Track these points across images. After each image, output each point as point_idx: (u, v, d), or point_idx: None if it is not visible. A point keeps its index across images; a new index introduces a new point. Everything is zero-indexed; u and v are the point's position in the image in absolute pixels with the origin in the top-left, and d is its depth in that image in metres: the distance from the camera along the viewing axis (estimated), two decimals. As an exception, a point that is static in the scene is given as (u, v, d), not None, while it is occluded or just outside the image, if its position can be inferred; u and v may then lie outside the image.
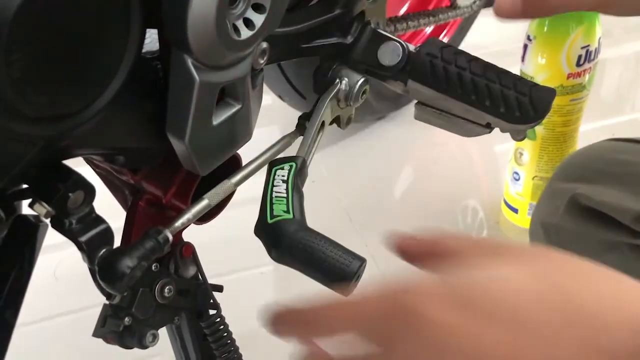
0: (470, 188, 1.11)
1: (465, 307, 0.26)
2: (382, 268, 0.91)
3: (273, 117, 1.19)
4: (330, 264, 0.37)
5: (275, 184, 0.41)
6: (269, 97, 1.07)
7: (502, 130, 0.50)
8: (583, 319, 0.26)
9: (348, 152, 1.18)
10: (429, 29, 1.11)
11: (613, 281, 0.28)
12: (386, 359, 0.27)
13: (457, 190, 1.10)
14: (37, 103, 0.30)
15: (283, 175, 0.41)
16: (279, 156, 0.46)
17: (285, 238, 0.38)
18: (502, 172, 1.08)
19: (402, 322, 0.26)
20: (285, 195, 0.40)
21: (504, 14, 0.47)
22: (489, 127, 0.50)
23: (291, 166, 0.42)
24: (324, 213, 0.92)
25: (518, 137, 0.50)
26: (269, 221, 0.39)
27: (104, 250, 0.38)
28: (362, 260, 0.38)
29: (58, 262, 0.94)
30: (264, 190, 0.41)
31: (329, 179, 1.10)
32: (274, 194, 0.40)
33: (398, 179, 1.20)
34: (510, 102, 0.47)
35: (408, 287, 0.27)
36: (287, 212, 0.39)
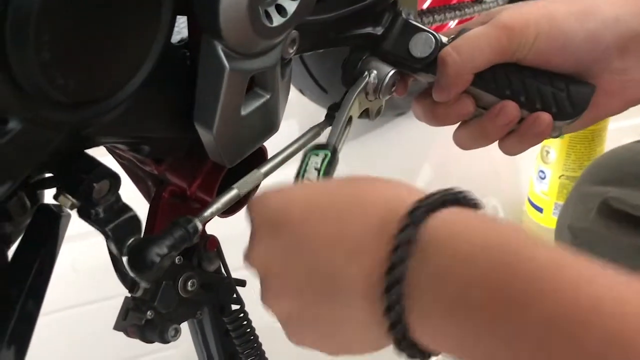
0: (491, 187, 1.09)
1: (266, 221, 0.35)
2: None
3: (293, 111, 1.17)
4: None
5: (307, 169, 0.40)
6: (288, 91, 1.05)
7: (537, 126, 0.48)
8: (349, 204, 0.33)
9: (368, 148, 1.16)
10: (453, 23, 1.09)
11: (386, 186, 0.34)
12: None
13: (477, 188, 1.08)
14: (65, 88, 0.29)
15: (317, 163, 0.40)
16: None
17: None
18: (523, 171, 1.06)
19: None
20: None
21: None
22: (523, 123, 0.48)
23: (326, 155, 0.41)
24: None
25: (554, 134, 0.48)
26: None
27: (132, 238, 0.37)
28: None
29: (77, 253, 0.93)
30: (296, 173, 0.40)
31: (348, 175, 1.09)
32: (305, 180, 0.40)
33: (417, 176, 1.19)
34: (546, 98, 0.46)
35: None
36: None
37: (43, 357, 0.80)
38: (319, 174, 0.40)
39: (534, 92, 0.46)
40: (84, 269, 0.95)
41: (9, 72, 0.26)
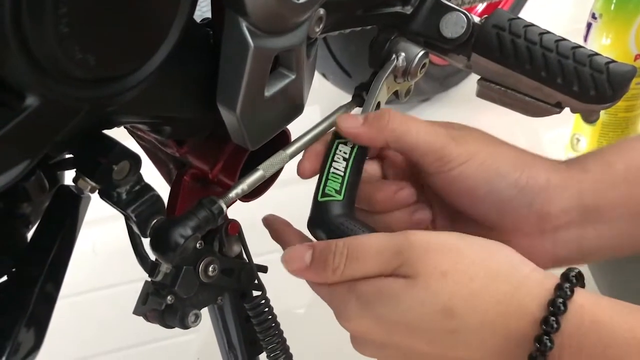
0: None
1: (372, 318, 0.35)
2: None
3: (315, 97, 1.16)
4: None
5: (335, 159, 0.39)
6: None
7: (573, 111, 0.46)
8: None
9: (391, 135, 1.14)
10: (481, 6, 1.06)
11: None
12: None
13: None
14: (84, 63, 0.28)
15: (345, 152, 0.39)
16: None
17: (325, 220, 0.38)
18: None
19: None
20: (342, 174, 0.39)
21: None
22: (559, 107, 0.46)
23: (355, 143, 0.40)
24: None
25: (591, 118, 0.46)
26: (319, 199, 0.39)
27: (155, 219, 0.36)
28: None
29: (97, 237, 0.93)
30: (323, 162, 0.39)
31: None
32: (332, 170, 0.39)
33: (441, 163, 1.16)
34: (584, 80, 0.44)
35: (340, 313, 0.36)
36: (339, 192, 0.39)
37: (64, 340, 0.80)
38: (347, 164, 0.39)
39: (571, 73, 0.44)
40: (104, 252, 0.95)
41: (26, 46, 0.25)
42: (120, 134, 0.38)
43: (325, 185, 0.38)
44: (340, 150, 0.39)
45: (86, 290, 0.91)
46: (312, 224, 0.39)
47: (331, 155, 0.39)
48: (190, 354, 0.82)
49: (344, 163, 0.39)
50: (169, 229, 0.34)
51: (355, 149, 0.40)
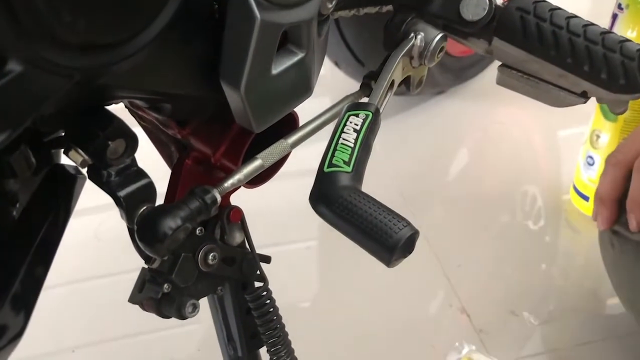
0: (530, 172, 1.04)
1: None
2: (435, 249, 0.85)
3: (326, 88, 1.13)
4: (376, 228, 0.32)
5: (345, 130, 0.36)
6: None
7: (600, 101, 0.44)
8: None
9: (403, 128, 1.12)
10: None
11: None
12: None
13: (516, 174, 1.03)
14: (74, 27, 0.25)
15: (356, 124, 0.36)
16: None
17: (331, 191, 0.34)
18: (565, 158, 1.01)
19: None
20: (352, 145, 0.36)
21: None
22: (584, 97, 0.43)
23: (367, 115, 0.37)
24: (376, 191, 0.86)
25: (619, 109, 0.43)
26: (325, 169, 0.35)
27: (144, 207, 0.34)
28: (414, 230, 0.33)
29: (100, 223, 0.92)
30: (332, 133, 0.37)
31: (382, 156, 1.04)
32: (341, 140, 0.36)
33: (454, 159, 1.14)
34: (614, 68, 0.41)
35: None
36: (347, 164, 0.35)
37: (65, 326, 0.79)
38: (358, 135, 0.36)
39: (600, 60, 0.41)
40: (107, 238, 0.93)
41: (8, 2, 0.23)
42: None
43: (332, 156, 0.35)
44: (352, 122, 0.36)
45: (88, 277, 0.89)
46: (315, 197, 0.35)
47: (341, 126, 0.36)
48: (191, 344, 0.80)
49: (355, 134, 0.36)
50: (157, 218, 0.32)
51: (367, 121, 0.37)
